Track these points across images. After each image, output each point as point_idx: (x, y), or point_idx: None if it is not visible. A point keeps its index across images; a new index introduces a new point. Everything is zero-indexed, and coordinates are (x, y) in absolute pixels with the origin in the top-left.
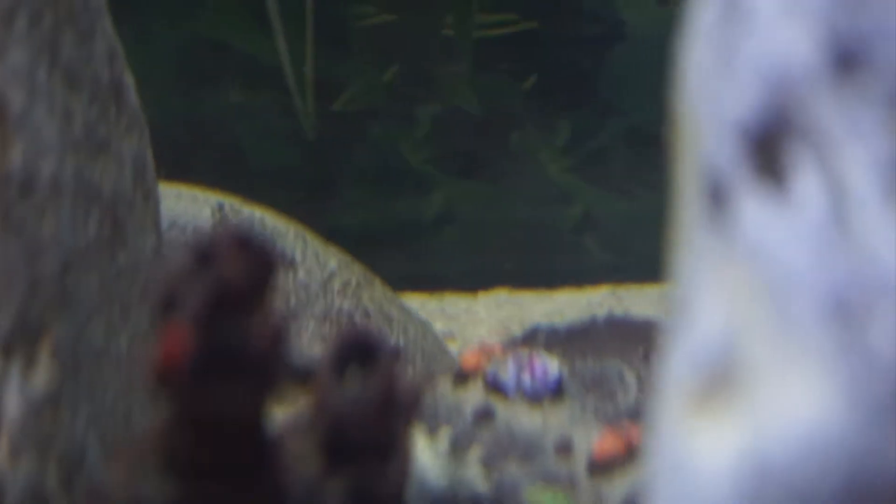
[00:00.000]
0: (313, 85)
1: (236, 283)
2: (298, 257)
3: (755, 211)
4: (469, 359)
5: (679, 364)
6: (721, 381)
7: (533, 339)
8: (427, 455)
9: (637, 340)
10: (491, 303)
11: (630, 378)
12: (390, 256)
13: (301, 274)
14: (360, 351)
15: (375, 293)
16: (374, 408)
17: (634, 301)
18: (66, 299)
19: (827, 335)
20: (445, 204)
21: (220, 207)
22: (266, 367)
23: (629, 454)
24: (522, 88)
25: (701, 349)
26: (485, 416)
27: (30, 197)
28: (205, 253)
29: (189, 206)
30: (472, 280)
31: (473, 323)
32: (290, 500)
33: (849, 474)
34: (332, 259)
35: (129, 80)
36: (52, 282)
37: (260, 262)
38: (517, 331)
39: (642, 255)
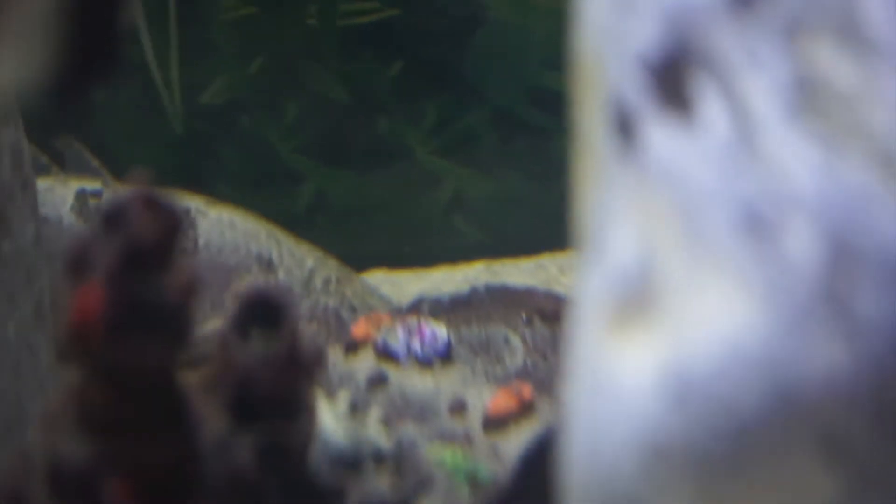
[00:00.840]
0: (179, 79)
1: (145, 240)
2: (276, 258)
3: (663, 138)
4: (358, 328)
5: (594, 289)
6: (638, 300)
7: (418, 309)
8: (328, 417)
9: (518, 306)
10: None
11: (515, 341)
12: None
13: (281, 275)
14: (263, 310)
15: (356, 287)
16: (278, 366)
17: (509, 274)
18: None
19: (741, 248)
20: (316, 192)
21: (188, 211)
22: (177, 321)
23: (522, 410)
24: (388, 75)
25: (616, 271)
26: (378, 381)
27: None
28: (113, 214)
29: None
30: (348, 265)
31: None
32: (203, 455)
33: (771, 381)
34: (309, 257)
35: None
36: None
37: (167, 221)
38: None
39: (512, 233)
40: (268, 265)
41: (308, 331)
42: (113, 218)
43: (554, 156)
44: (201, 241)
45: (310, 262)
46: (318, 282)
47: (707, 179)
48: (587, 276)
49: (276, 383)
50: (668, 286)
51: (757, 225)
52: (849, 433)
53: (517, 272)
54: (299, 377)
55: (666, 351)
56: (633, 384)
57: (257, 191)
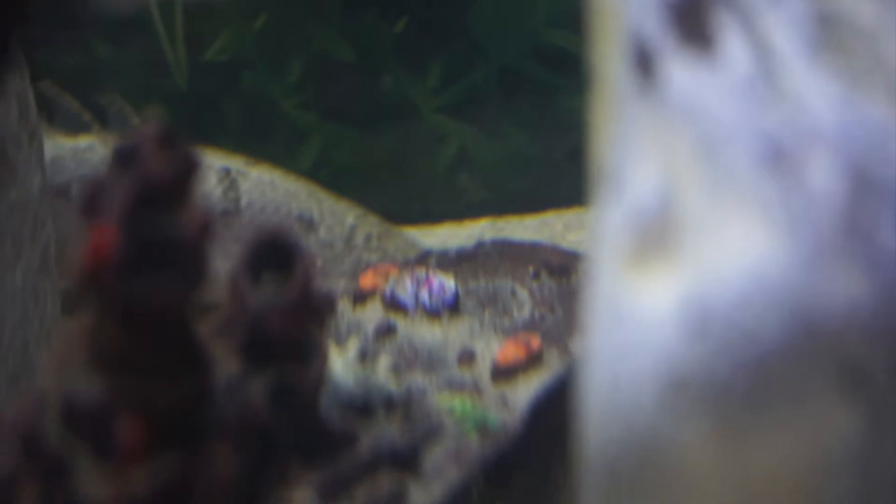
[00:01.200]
0: (182, 35)
1: (159, 178)
2: (316, 217)
3: (683, 73)
4: (366, 279)
5: (614, 224)
6: (658, 235)
7: (424, 261)
8: (338, 363)
9: (525, 261)
10: None
11: (522, 294)
12: None
13: (322, 233)
14: (274, 253)
15: (399, 242)
16: (289, 308)
17: (514, 231)
18: None
19: (763, 180)
20: (321, 149)
21: (227, 172)
22: (192, 259)
23: (530, 360)
24: (393, 32)
25: (636, 207)
26: (387, 331)
27: None
28: (127, 153)
29: None
30: None
31: None
32: (215, 395)
33: (793, 311)
34: (349, 214)
35: None
36: None
37: (182, 159)
38: None
39: (517, 191)
40: (308, 224)
41: (318, 276)
42: (126, 156)
43: (559, 113)
44: (243, 201)
45: (350, 220)
46: (359, 238)
47: (728, 114)
48: (606, 213)
49: (287, 326)
50: (688, 220)
51: (778, 158)
52: (869, 365)
53: (522, 229)
54: (310, 320)
55: (687, 283)
56: (654, 317)
57: (261, 148)
